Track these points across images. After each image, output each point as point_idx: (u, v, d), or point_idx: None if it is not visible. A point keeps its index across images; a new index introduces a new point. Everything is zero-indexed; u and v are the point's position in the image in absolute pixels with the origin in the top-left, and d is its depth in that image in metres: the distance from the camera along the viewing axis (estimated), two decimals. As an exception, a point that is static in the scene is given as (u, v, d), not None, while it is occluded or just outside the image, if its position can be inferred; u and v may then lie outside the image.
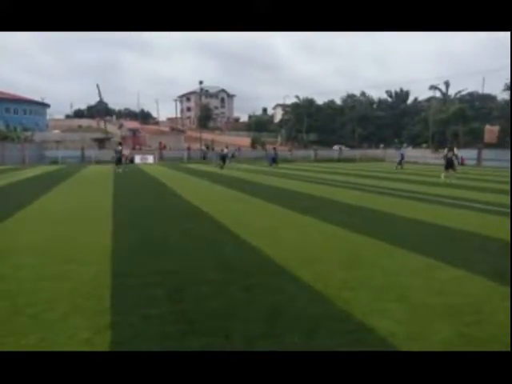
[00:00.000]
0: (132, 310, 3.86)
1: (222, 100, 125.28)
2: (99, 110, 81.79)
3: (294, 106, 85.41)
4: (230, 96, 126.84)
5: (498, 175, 24.63)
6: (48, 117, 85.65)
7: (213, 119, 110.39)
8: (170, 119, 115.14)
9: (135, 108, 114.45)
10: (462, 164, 35.42)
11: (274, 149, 40.98)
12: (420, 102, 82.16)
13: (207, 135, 71.65)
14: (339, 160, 51.26)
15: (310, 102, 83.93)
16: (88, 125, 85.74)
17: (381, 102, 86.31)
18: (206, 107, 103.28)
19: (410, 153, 48.40)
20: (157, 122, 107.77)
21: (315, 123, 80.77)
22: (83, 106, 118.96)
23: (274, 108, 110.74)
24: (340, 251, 6.14)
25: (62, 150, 47.85)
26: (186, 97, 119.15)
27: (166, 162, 44.37)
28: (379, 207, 10.57)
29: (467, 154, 40.62)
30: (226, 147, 38.31)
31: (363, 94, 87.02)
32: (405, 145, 40.97)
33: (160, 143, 55.93)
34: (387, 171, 28.76)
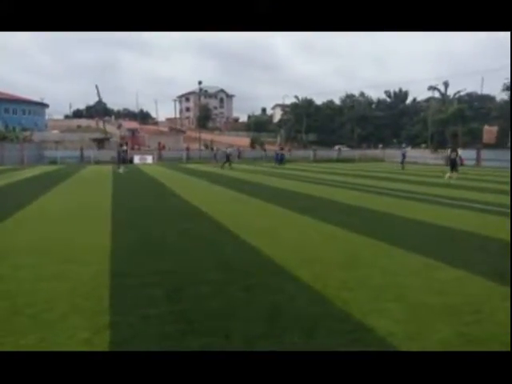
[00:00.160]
0: (131, 310, 3.86)
1: (221, 100, 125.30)
2: (98, 110, 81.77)
3: (293, 106, 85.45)
4: (229, 96, 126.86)
5: (497, 175, 24.65)
6: (47, 117, 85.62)
7: (212, 119, 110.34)
8: (169, 119, 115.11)
9: (134, 108, 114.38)
10: (461, 164, 35.45)
11: (282, 149, 40.89)
12: (419, 102, 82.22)
13: (206, 135, 71.64)
14: (338, 160, 51.29)
15: (309, 102, 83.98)
16: (87, 125, 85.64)
17: (380, 102, 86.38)
18: (205, 107, 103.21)
19: (410, 153, 48.37)
20: (156, 123, 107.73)
21: (314, 123, 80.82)
22: (82, 106, 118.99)
23: (273, 108, 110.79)
24: (339, 251, 6.14)
25: (61, 150, 47.82)
26: (185, 97, 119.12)
27: (164, 163, 44.35)
28: (378, 207, 10.58)
29: (466, 155, 40.61)
30: (229, 147, 38.10)
31: (362, 94, 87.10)
32: (404, 145, 40.99)
33: (159, 143, 55.94)
34: (387, 171, 28.79)
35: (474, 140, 54.04)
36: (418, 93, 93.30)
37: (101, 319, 3.65)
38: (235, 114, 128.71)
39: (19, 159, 41.28)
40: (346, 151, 59.60)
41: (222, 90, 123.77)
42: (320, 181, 19.87)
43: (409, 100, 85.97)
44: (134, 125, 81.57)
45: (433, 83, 76.63)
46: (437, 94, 69.91)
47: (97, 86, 69.49)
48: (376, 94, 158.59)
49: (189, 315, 3.75)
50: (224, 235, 7.30)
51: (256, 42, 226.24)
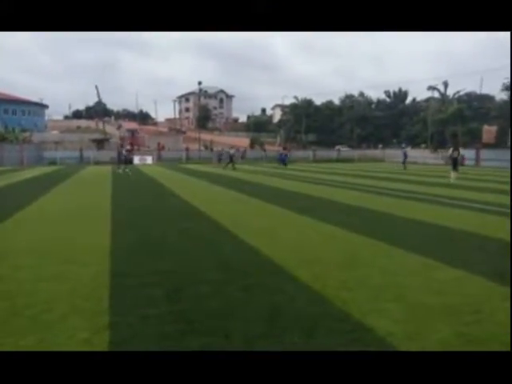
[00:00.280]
0: (131, 310, 3.86)
1: (221, 100, 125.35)
2: (98, 111, 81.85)
3: (293, 106, 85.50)
4: (229, 96, 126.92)
5: (497, 175, 24.65)
6: (46, 118, 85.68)
7: (212, 120, 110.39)
8: (168, 120, 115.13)
9: (134, 109, 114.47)
10: (462, 164, 35.45)
11: (285, 149, 40.53)
12: (418, 102, 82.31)
13: (206, 136, 71.66)
14: (338, 160, 51.31)
15: (308, 103, 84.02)
16: (86, 125, 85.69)
17: (379, 102, 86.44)
18: (205, 108, 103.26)
19: (409, 153, 48.41)
20: (155, 123, 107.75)
21: (314, 124, 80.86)
22: (82, 107, 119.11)
23: (273, 108, 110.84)
24: (338, 251, 6.14)
25: (61, 151, 47.86)
26: (185, 97, 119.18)
27: (164, 163, 44.34)
28: (378, 207, 10.58)
29: (465, 154, 40.62)
30: (232, 147, 37.55)
31: (362, 94, 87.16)
32: (403, 145, 41.00)
33: (158, 144, 55.98)
34: (387, 171, 28.79)
35: (473, 140, 54.07)
36: (418, 93, 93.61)
37: (100, 319, 3.65)
38: (235, 115, 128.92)
39: (19, 160, 41.27)
40: (345, 151, 59.62)
41: (221, 91, 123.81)
42: (319, 181, 19.87)
43: (408, 100, 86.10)
44: (133, 125, 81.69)
45: (432, 83, 76.47)
46: (436, 94, 70.06)
47: (96, 87, 69.79)
48: (375, 94, 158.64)
49: (188, 315, 3.75)
50: (223, 235, 7.30)
51: (255, 43, 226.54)
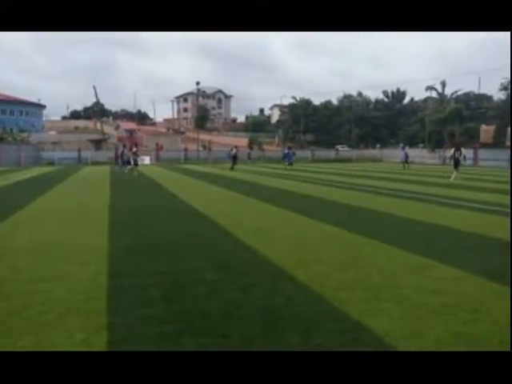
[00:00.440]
0: (128, 311, 3.86)
1: (219, 101, 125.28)
2: (96, 111, 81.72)
3: (291, 106, 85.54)
4: (227, 97, 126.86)
5: (495, 175, 24.72)
6: (44, 118, 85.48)
7: (210, 120, 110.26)
8: (166, 120, 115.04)
9: (132, 109, 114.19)
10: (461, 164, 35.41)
11: (290, 148, 39.76)
12: (416, 102, 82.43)
13: (204, 136, 71.61)
14: (336, 160, 51.35)
15: (306, 103, 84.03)
16: (84, 126, 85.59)
17: (377, 102, 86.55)
18: (203, 108, 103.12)
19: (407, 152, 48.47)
20: (153, 123, 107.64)
21: (312, 124, 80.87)
22: (80, 107, 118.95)
23: (271, 108, 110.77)
24: (336, 251, 6.14)
25: (59, 152, 47.81)
26: (183, 97, 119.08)
27: (162, 163, 44.31)
28: (376, 207, 10.59)
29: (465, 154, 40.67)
30: (235, 147, 36.55)
31: (360, 94, 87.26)
32: (401, 144, 40.98)
33: (157, 144, 55.90)
34: (385, 171, 28.82)
35: (471, 139, 54.15)
36: (416, 93, 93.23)
37: (98, 320, 3.64)
38: (233, 115, 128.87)
39: (16, 160, 41.21)
40: (344, 151, 59.68)
41: (219, 91, 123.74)
42: (318, 181, 19.88)
43: (406, 100, 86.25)
44: (131, 125, 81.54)
45: (430, 83, 76.55)
46: (434, 94, 70.16)
47: (94, 87, 69.67)
48: (374, 94, 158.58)
49: (186, 315, 3.75)
50: (221, 235, 7.30)
51: (254, 43, 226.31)
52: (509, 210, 9.84)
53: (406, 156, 33.43)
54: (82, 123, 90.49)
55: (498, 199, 12.21)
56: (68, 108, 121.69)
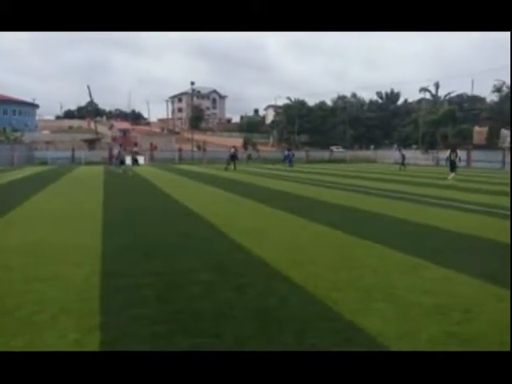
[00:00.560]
0: (121, 311, 3.84)
1: (214, 101, 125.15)
2: (89, 111, 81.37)
3: (286, 107, 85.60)
4: (222, 97, 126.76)
5: (489, 176, 24.90)
6: (38, 117, 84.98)
7: (204, 120, 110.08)
8: (161, 120, 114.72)
9: (126, 109, 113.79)
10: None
11: (289, 150, 39.44)
12: (410, 103, 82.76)
13: (199, 136, 71.50)
14: (330, 161, 51.45)
15: (301, 104, 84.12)
16: (78, 125, 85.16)
17: (371, 103, 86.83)
18: (198, 108, 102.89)
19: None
20: (148, 123, 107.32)
21: (307, 124, 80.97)
22: (73, 107, 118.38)
23: (266, 109, 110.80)
24: (330, 251, 6.16)
25: (52, 151, 47.50)
26: (178, 97, 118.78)
27: (157, 164, 44.18)
28: (369, 208, 10.63)
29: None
30: (234, 147, 36.23)
31: (354, 95, 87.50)
32: (395, 145, 41.09)
33: (151, 144, 55.69)
34: (379, 172, 28.93)
35: (464, 141, 54.47)
36: (410, 94, 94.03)
37: (91, 320, 3.63)
38: (228, 115, 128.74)
39: (9, 160, 40.90)
40: (338, 152, 59.83)
41: (214, 91, 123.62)
42: (312, 181, 19.92)
43: (400, 101, 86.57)
44: (125, 125, 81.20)
45: (424, 84, 76.96)
46: (428, 96, 70.52)
47: (88, 87, 69.40)
48: (368, 95, 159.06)
49: (180, 316, 3.74)
50: (216, 236, 7.30)
51: (248, 43, 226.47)
52: (502, 212, 9.91)
53: (403, 157, 33.32)
54: (75, 123, 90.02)
55: (491, 200, 12.31)
56: (62, 107, 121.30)
